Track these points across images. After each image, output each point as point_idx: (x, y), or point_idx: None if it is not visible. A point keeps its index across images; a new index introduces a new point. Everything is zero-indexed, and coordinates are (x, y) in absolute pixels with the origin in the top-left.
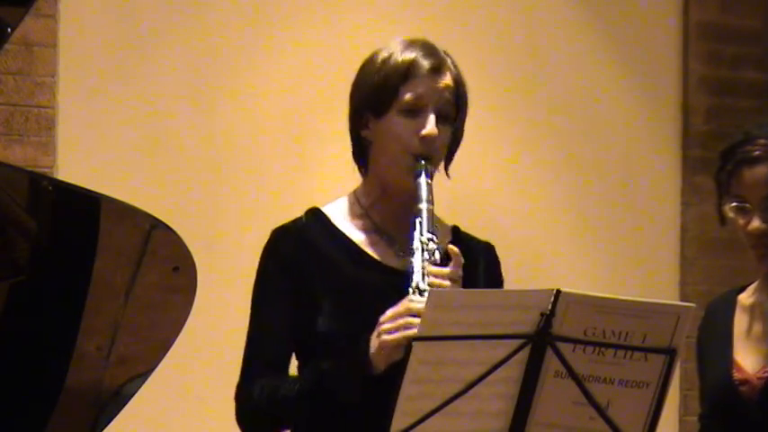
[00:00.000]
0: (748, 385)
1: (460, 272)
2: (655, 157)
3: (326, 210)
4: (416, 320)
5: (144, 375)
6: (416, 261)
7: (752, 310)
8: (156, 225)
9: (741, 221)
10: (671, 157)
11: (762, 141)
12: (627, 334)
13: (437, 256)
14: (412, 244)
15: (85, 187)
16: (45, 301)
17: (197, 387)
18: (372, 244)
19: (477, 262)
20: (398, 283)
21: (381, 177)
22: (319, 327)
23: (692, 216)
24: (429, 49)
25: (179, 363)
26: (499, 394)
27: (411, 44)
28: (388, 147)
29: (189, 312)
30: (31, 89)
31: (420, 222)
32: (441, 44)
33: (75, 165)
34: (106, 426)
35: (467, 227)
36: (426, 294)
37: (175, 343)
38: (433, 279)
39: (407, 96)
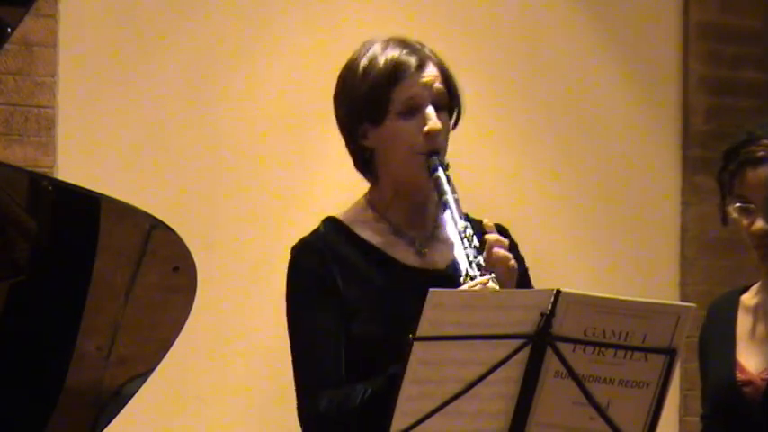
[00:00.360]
0: (751, 386)
1: (506, 241)
2: (655, 157)
3: (342, 217)
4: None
5: (144, 375)
6: (459, 251)
7: (755, 310)
8: (156, 225)
9: (744, 222)
10: (671, 157)
11: (765, 142)
12: (627, 334)
13: (476, 241)
14: (448, 238)
15: (85, 187)
16: (45, 301)
17: (197, 387)
18: (393, 246)
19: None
20: (423, 282)
21: (393, 181)
22: (354, 332)
23: (692, 216)
24: (407, 46)
25: (179, 363)
26: (499, 394)
27: (388, 45)
28: (395, 151)
29: (189, 312)
30: (31, 89)
31: (451, 214)
32: (440, 45)
33: (75, 165)
34: (106, 426)
35: None
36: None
37: (175, 343)
38: (495, 250)
39: (402, 99)
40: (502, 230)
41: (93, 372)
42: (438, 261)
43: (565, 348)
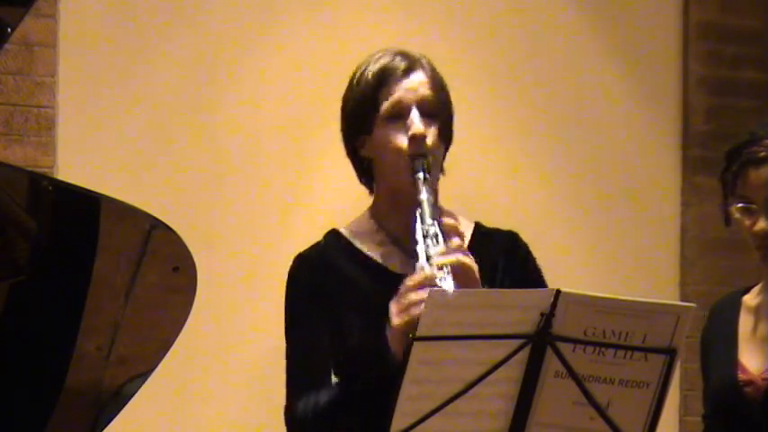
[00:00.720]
0: (753, 386)
1: (461, 242)
2: (655, 157)
3: (344, 230)
4: (419, 295)
5: (144, 375)
6: (420, 248)
7: (756, 311)
8: (156, 225)
9: (747, 222)
10: (671, 157)
11: (767, 142)
12: (627, 334)
13: (440, 239)
14: (414, 235)
15: (85, 187)
16: (45, 301)
17: (197, 387)
18: (391, 257)
19: (499, 256)
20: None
21: (388, 188)
22: (351, 345)
23: (692, 216)
24: (400, 53)
25: (179, 363)
26: (499, 394)
27: (381, 55)
28: (384, 156)
29: (189, 312)
30: (31, 89)
31: (420, 213)
32: (440, 46)
33: (75, 165)
34: (106, 426)
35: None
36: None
37: (175, 343)
38: (440, 259)
39: (387, 102)
40: (511, 237)
41: (93, 372)
42: (435, 273)
43: (565, 348)
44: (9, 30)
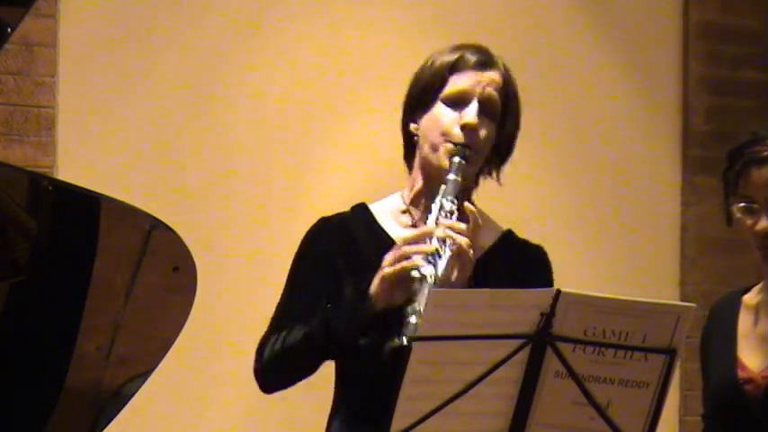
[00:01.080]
0: (752, 384)
1: (472, 233)
2: (655, 157)
3: (373, 206)
4: (414, 248)
5: (144, 375)
6: (431, 217)
7: (756, 309)
8: (156, 225)
9: (748, 222)
10: (671, 157)
11: None
12: (627, 334)
13: (454, 218)
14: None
15: (85, 187)
16: (45, 301)
17: (197, 387)
18: None
19: (526, 268)
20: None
21: (423, 168)
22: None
23: (692, 216)
24: (478, 48)
25: (179, 363)
26: (499, 394)
27: (460, 45)
28: (430, 134)
29: (189, 312)
30: (31, 89)
31: (443, 189)
32: (439, 45)
33: (75, 165)
34: (106, 426)
35: None
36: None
37: (175, 343)
38: (448, 231)
39: (452, 86)
40: (540, 253)
41: (93, 372)
42: None
43: (565, 348)
44: (9, 30)
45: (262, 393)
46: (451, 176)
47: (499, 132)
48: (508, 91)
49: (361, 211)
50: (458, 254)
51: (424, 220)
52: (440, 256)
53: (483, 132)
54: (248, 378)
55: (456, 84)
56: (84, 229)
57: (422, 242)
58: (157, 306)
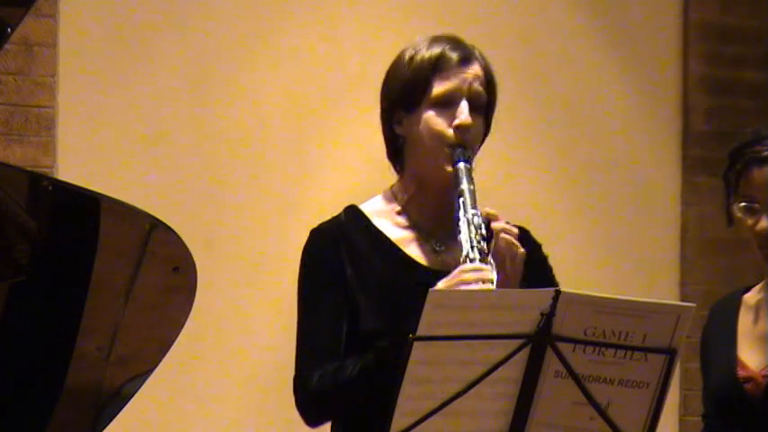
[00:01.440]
0: (753, 383)
1: (514, 229)
2: (655, 157)
3: (364, 207)
4: (473, 276)
5: (144, 375)
6: (464, 234)
7: (756, 308)
8: (155, 225)
9: (749, 221)
10: (671, 157)
11: None
12: (627, 334)
13: (483, 230)
14: (458, 222)
15: (85, 187)
16: (45, 301)
17: (197, 387)
18: (409, 242)
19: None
20: (433, 283)
21: (418, 172)
22: (360, 326)
23: (692, 216)
24: (456, 42)
25: (179, 363)
26: (499, 394)
27: (437, 39)
28: (423, 140)
29: (189, 312)
30: (31, 89)
31: (463, 201)
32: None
33: (75, 165)
34: (106, 426)
35: None
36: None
37: (175, 343)
38: (502, 236)
39: (439, 89)
40: (523, 232)
41: (93, 372)
42: (452, 262)
43: (565, 348)
44: (9, 30)
45: (262, 393)
46: (464, 186)
47: (485, 122)
48: (489, 80)
49: (355, 215)
50: (512, 257)
51: (428, 227)
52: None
53: (475, 128)
54: (248, 378)
55: (441, 85)
56: (84, 229)
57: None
58: (157, 306)
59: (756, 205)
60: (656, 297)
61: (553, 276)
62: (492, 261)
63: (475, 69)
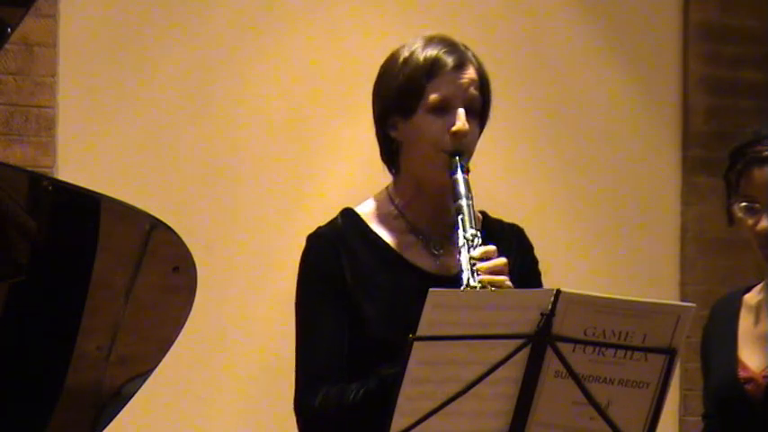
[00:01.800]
0: (753, 383)
1: (505, 260)
2: (655, 157)
3: (360, 211)
4: None
5: (144, 375)
6: (464, 259)
7: (757, 309)
8: (156, 225)
9: (750, 221)
10: (671, 157)
11: None
12: (627, 334)
13: (477, 241)
14: (457, 242)
15: (85, 187)
16: (45, 301)
17: (197, 387)
18: (407, 246)
19: (507, 247)
20: (433, 286)
21: (415, 176)
22: (361, 333)
23: (692, 216)
24: (450, 45)
25: (179, 363)
26: (499, 394)
27: (431, 41)
28: (419, 146)
29: (189, 312)
30: (31, 89)
31: (462, 219)
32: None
33: (75, 165)
34: (106, 426)
35: None
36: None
37: (175, 343)
38: (485, 277)
39: (434, 95)
40: (518, 232)
41: (93, 372)
42: (451, 266)
43: (565, 348)
44: (9, 30)
45: (262, 393)
46: (463, 202)
47: (479, 125)
48: (483, 83)
49: (352, 219)
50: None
51: (426, 231)
52: None
53: (471, 133)
54: (248, 378)
55: (437, 91)
56: (84, 230)
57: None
58: (157, 306)
59: (757, 205)
60: (656, 297)
61: (540, 281)
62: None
63: (470, 74)
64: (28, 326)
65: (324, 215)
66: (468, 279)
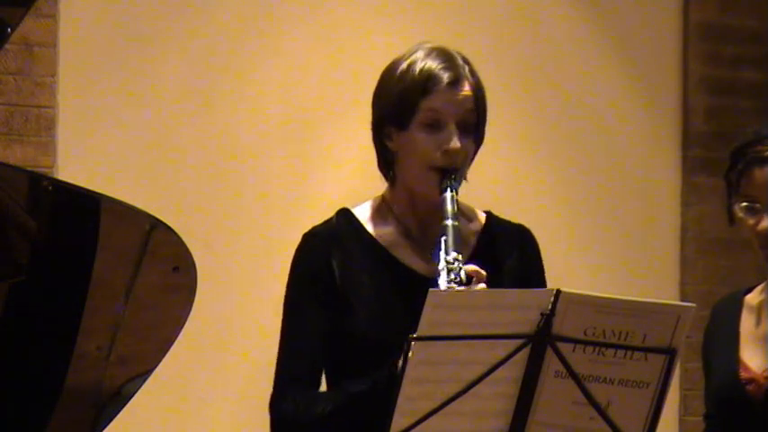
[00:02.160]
0: (754, 384)
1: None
2: (655, 158)
3: (356, 211)
4: None
5: (144, 375)
6: (442, 282)
7: (758, 309)
8: (156, 225)
9: (750, 221)
10: (671, 157)
11: None
12: (627, 334)
13: (462, 275)
14: (438, 263)
15: (85, 187)
16: (45, 301)
17: (197, 387)
18: (401, 248)
19: (510, 249)
20: (424, 289)
21: (408, 188)
22: (351, 332)
23: (692, 216)
24: (447, 60)
25: (179, 363)
26: (499, 394)
27: (429, 54)
28: (411, 161)
29: (189, 312)
30: (31, 89)
31: (445, 241)
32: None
33: (75, 165)
34: (106, 426)
35: None
36: None
37: (175, 343)
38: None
39: (428, 111)
40: (523, 235)
41: (93, 372)
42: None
43: (565, 348)
44: (9, 30)
45: (261, 393)
46: (448, 222)
47: (474, 140)
48: (479, 99)
49: (348, 219)
50: None
51: (419, 236)
52: None
53: (464, 151)
54: (248, 377)
55: (430, 108)
56: (84, 229)
57: None
58: (157, 306)
59: (758, 205)
60: (656, 297)
61: (545, 280)
62: None
63: (465, 90)
64: (28, 326)
65: (324, 216)
66: None
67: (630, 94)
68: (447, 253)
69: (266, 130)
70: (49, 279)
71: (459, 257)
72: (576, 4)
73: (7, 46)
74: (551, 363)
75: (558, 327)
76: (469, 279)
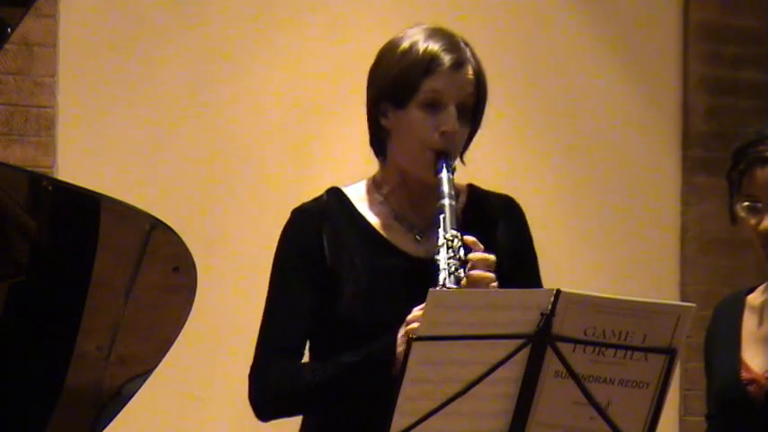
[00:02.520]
0: (756, 385)
1: (491, 257)
2: (655, 157)
3: (347, 191)
4: None
5: (144, 375)
6: (442, 259)
7: (760, 310)
8: (156, 225)
9: (752, 221)
10: (671, 157)
11: None
12: (627, 334)
13: (461, 253)
14: (437, 241)
15: (85, 187)
16: (45, 301)
17: (197, 387)
18: (391, 229)
19: (496, 220)
20: (416, 270)
21: (400, 167)
22: (338, 311)
23: (692, 216)
24: (450, 42)
25: (179, 363)
26: (499, 394)
27: (432, 35)
28: (407, 140)
29: (189, 312)
30: (31, 89)
31: (444, 218)
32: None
33: (75, 165)
34: (106, 426)
35: None
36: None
37: (175, 343)
38: (475, 272)
39: (428, 91)
40: (509, 204)
41: (93, 372)
42: (433, 251)
43: (565, 348)
44: (9, 30)
45: None
46: (446, 202)
47: (472, 123)
48: (480, 83)
49: (337, 197)
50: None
51: (410, 218)
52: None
53: (461, 134)
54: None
55: (432, 88)
56: (84, 230)
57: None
58: (157, 306)
59: (759, 205)
60: (656, 297)
61: (533, 249)
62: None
63: (467, 74)
64: (28, 326)
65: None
66: (445, 279)
67: (631, 94)
68: (446, 231)
69: (266, 130)
70: (49, 279)
71: (458, 235)
72: (577, 4)
73: (7, 46)
74: (551, 363)
75: (558, 327)
76: (468, 250)
